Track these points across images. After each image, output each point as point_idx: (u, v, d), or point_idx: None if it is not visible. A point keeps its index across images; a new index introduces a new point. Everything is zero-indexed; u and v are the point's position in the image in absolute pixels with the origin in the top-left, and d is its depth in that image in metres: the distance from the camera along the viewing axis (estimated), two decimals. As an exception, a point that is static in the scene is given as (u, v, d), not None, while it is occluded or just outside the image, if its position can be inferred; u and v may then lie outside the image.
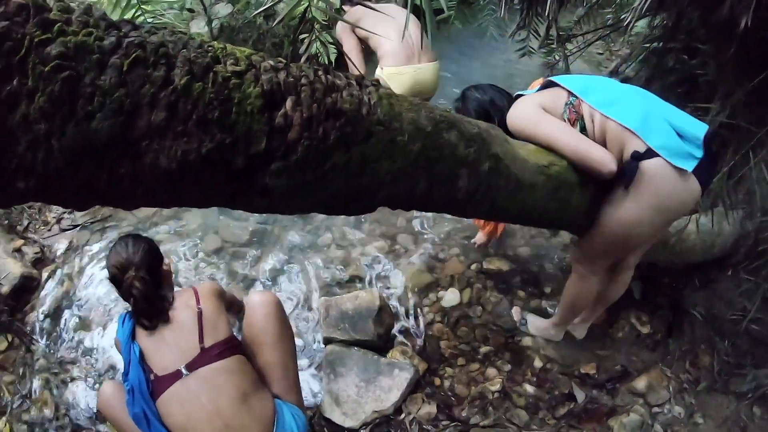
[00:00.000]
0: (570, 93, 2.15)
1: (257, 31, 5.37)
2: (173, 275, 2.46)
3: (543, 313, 3.12)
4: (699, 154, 2.01)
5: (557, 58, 4.80)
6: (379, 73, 3.84)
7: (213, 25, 5.18)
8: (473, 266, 3.41)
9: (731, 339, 2.82)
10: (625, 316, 3.08)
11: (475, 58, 3.51)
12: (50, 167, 0.99)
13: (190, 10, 5.36)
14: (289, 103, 1.18)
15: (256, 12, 2.14)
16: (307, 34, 2.25)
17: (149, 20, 3.94)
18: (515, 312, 3.09)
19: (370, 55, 4.08)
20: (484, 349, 2.95)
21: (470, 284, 3.28)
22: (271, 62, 1.23)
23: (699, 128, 2.05)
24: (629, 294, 3.00)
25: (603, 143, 2.07)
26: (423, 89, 3.88)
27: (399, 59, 3.76)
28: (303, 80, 1.23)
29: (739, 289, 2.86)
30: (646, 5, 3.43)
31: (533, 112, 2.17)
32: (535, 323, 3.01)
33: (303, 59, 2.06)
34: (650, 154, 1.96)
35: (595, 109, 2.07)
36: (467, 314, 3.13)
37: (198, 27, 5.23)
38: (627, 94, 2.12)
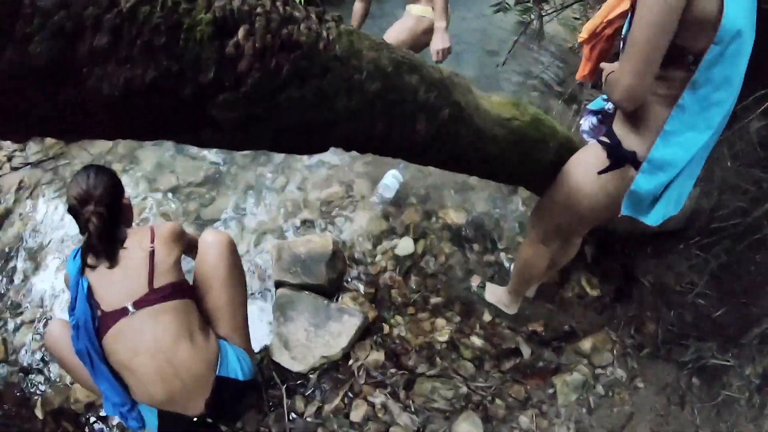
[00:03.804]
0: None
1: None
2: (132, 211, 2.41)
3: (500, 267, 3.17)
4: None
5: (532, 17, 4.76)
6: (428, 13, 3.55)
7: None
8: (430, 217, 3.41)
9: (677, 310, 2.90)
10: (576, 277, 3.13)
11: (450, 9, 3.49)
12: (-13, 94, 0.94)
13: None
14: (241, 32, 1.13)
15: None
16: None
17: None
18: (474, 280, 3.08)
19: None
20: (434, 299, 2.97)
21: (425, 234, 3.29)
22: (227, -12, 1.17)
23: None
24: (581, 256, 3.05)
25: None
26: None
27: None
28: (258, 9, 1.17)
29: (689, 263, 2.92)
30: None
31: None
32: (491, 289, 3.01)
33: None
34: (638, 164, 1.88)
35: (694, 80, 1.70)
36: (420, 264, 3.14)
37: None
38: (726, 102, 1.78)
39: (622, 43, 1.89)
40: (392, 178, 3.45)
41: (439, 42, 3.26)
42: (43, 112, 1.02)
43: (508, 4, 4.55)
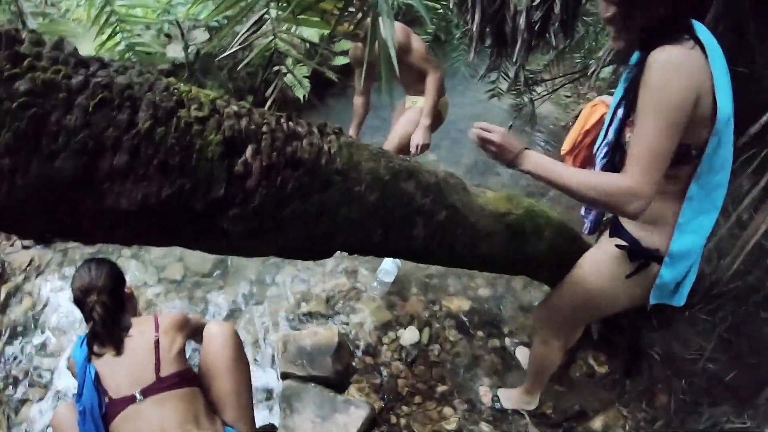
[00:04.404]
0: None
1: (232, 59, 5.40)
2: (136, 300, 2.47)
3: (505, 353, 3.17)
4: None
5: (526, 100, 4.92)
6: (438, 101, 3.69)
7: (189, 50, 5.20)
8: (433, 305, 3.45)
9: (688, 378, 2.85)
10: (583, 356, 3.12)
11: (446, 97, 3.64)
12: (12, 200, 0.99)
13: (168, 36, 5.39)
14: (249, 151, 1.20)
15: (227, 52, 2.17)
16: (279, 67, 2.29)
17: (126, 37, 3.95)
18: (484, 395, 3.00)
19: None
20: (441, 388, 2.97)
21: (429, 323, 3.32)
22: (235, 108, 1.25)
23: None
24: (587, 334, 3.05)
25: None
26: None
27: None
28: (264, 128, 1.25)
29: (696, 329, 2.90)
30: (609, 57, 3.57)
31: (679, 97, 1.53)
32: (507, 396, 2.95)
33: (268, 104, 2.09)
34: (659, 259, 1.91)
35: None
36: (425, 353, 3.15)
37: (175, 51, 5.25)
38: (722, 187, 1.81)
39: (603, 150, 1.94)
40: (391, 263, 3.54)
41: (420, 137, 3.47)
42: (63, 220, 1.08)
43: (501, 89, 4.71)
